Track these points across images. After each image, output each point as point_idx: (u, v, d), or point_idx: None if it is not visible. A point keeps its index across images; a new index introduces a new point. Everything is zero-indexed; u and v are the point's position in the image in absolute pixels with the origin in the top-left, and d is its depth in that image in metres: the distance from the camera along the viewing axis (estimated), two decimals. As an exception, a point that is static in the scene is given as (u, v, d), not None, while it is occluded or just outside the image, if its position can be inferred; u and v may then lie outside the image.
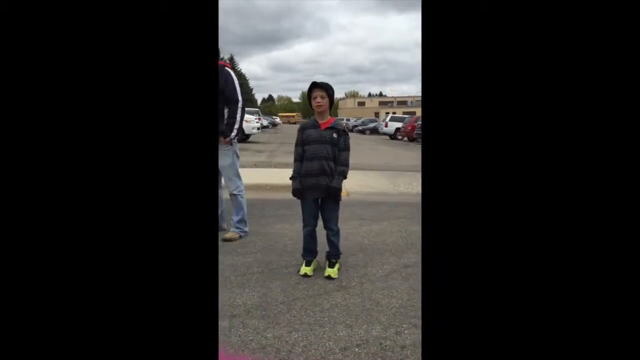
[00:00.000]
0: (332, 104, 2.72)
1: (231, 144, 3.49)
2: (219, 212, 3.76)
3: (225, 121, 3.41)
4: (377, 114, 52.40)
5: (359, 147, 14.94)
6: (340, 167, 2.70)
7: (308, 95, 2.73)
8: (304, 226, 2.86)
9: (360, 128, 32.89)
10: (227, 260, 3.04)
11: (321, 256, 2.93)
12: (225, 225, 3.80)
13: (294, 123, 65.60)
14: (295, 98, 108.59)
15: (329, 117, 2.76)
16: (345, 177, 2.74)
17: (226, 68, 3.45)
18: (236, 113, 3.39)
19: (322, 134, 2.71)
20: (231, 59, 47.72)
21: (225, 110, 3.42)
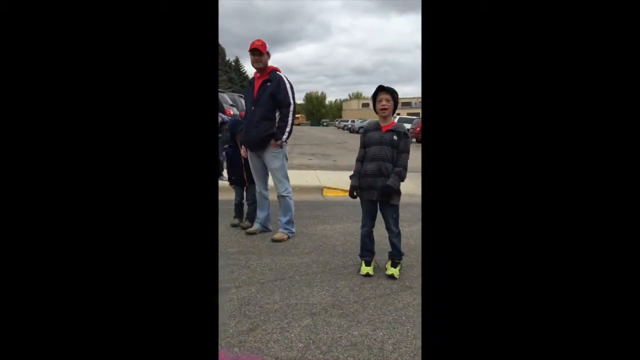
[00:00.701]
0: (396, 108, 2.78)
1: (281, 147, 3.55)
2: (266, 214, 3.83)
3: (277, 124, 3.47)
4: (381, 116, 52.38)
5: (371, 149, 14.97)
6: (397, 168, 2.74)
7: (373, 98, 2.79)
8: (362, 226, 2.92)
9: (366, 129, 32.86)
10: (285, 260, 3.10)
11: (377, 256, 2.99)
12: (270, 227, 3.86)
13: (298, 124, 65.58)
14: (299, 100, 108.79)
15: (392, 120, 2.83)
16: (402, 179, 2.77)
17: (278, 72, 3.51)
18: (287, 116, 3.45)
19: (383, 136, 2.77)
20: (236, 61, 47.77)
21: (277, 114, 3.48)
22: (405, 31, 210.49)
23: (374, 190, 2.76)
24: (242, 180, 4.05)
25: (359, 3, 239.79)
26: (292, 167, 8.46)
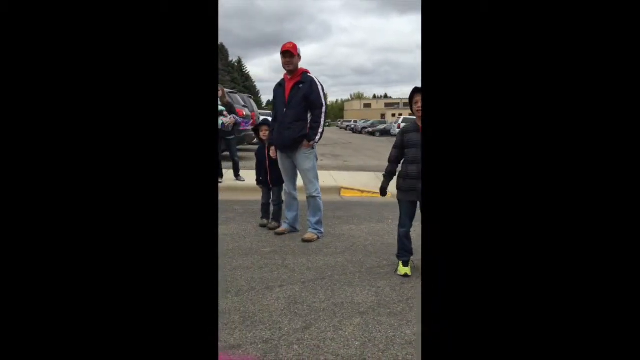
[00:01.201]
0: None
1: (313, 148, 3.59)
2: (294, 215, 3.86)
3: (309, 125, 3.51)
4: (383, 116, 52.65)
5: (378, 149, 15.05)
6: None
7: (410, 100, 2.83)
8: (400, 226, 2.96)
9: (369, 130, 32.99)
10: (320, 260, 3.13)
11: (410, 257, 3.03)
12: (299, 227, 3.90)
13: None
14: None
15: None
16: None
17: (309, 74, 3.55)
18: (320, 117, 3.49)
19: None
20: (239, 62, 47.82)
21: (308, 115, 3.52)
22: (405, 31, 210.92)
23: (414, 192, 2.80)
24: (268, 180, 4.10)
25: (359, 3, 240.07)
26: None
